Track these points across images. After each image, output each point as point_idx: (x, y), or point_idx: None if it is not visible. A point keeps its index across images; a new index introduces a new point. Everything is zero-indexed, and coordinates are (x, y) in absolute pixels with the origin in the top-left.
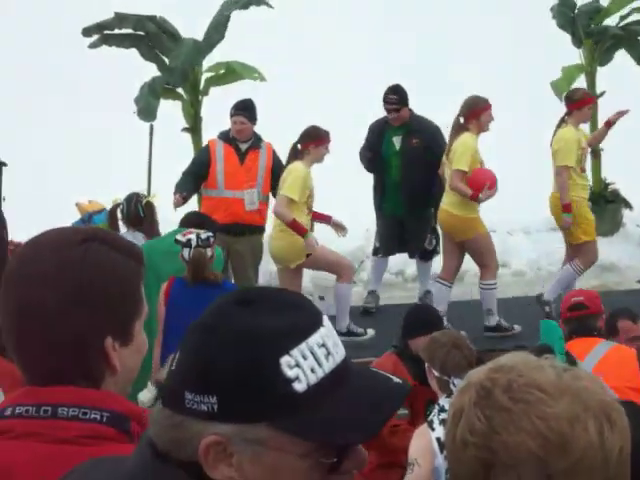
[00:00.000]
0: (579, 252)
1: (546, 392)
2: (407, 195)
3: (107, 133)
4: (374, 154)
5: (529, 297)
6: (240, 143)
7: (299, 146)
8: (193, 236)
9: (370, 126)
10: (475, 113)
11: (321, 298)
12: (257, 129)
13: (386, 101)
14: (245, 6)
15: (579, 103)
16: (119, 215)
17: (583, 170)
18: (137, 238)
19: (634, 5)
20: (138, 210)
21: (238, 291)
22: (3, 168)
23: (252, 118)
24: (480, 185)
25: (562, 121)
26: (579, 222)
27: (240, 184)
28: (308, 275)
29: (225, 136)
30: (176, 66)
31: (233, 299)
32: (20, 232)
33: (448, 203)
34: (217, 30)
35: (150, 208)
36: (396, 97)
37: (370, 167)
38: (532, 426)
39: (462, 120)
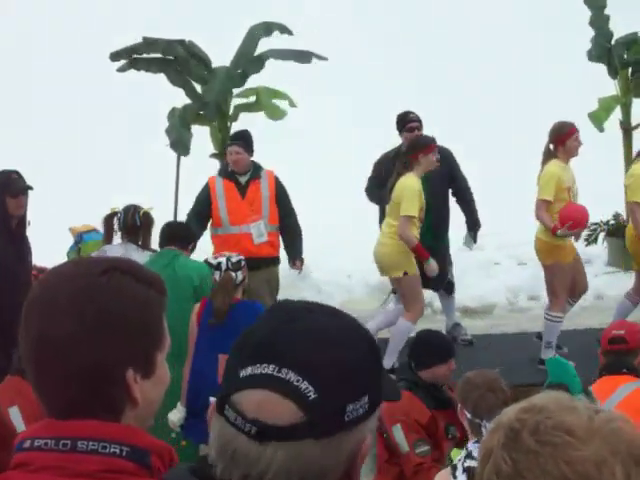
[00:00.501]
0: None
1: (574, 435)
2: (433, 225)
3: (135, 157)
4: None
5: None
6: (239, 176)
7: (408, 158)
8: (223, 259)
9: (380, 160)
10: (561, 139)
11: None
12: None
13: (409, 120)
14: (268, 33)
15: None
16: (115, 223)
17: None
18: (129, 249)
19: None
20: (135, 219)
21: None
22: (29, 192)
23: (248, 148)
24: (563, 221)
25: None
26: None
27: (244, 218)
28: (334, 304)
29: (224, 171)
30: (210, 99)
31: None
32: (44, 257)
33: (538, 227)
34: (250, 61)
35: (147, 218)
36: (417, 116)
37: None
38: (558, 470)
39: (552, 147)
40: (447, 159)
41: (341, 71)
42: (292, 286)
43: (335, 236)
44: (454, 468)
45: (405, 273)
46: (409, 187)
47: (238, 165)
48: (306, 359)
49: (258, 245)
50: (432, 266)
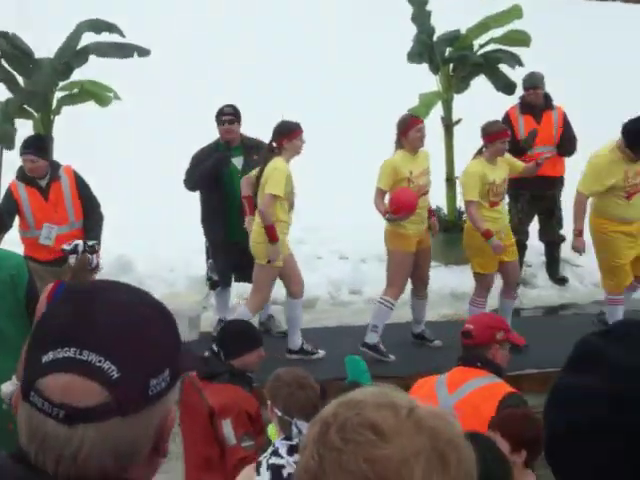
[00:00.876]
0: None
1: (379, 433)
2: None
3: None
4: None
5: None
6: (39, 180)
7: (274, 144)
8: (80, 242)
9: (200, 152)
10: (403, 131)
11: None
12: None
13: (223, 114)
14: (97, 31)
15: (491, 137)
16: None
17: (493, 204)
18: None
19: (492, 34)
20: None
21: None
22: None
23: (42, 153)
24: (390, 206)
25: (479, 153)
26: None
27: (49, 221)
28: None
29: (23, 176)
30: (36, 90)
31: None
32: None
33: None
34: (74, 54)
35: None
36: (233, 109)
37: (211, 187)
38: (358, 469)
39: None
40: (259, 148)
41: (168, 66)
42: (113, 278)
43: (157, 230)
44: (259, 464)
45: (268, 261)
46: (277, 168)
47: (35, 173)
48: (106, 339)
49: (52, 245)
50: (275, 249)
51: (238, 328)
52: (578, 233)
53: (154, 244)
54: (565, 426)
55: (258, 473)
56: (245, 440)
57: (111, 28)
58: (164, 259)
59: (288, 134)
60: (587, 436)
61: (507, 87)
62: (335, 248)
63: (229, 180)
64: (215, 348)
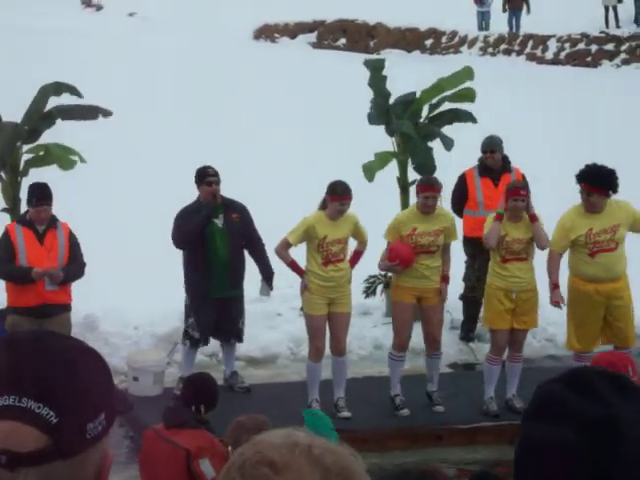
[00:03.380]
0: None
1: (273, 467)
2: (235, 274)
3: None
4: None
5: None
6: (38, 225)
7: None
8: None
9: (184, 210)
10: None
11: (135, 379)
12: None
13: (207, 174)
14: (57, 93)
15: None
16: None
17: (504, 261)
18: None
19: (443, 94)
20: None
21: None
22: None
23: (52, 202)
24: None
25: None
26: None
27: (41, 264)
28: (121, 355)
29: (23, 220)
30: None
31: None
32: None
33: None
34: (41, 117)
35: None
36: (214, 170)
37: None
38: None
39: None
40: (243, 213)
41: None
42: (80, 337)
43: (122, 289)
44: None
45: (301, 308)
46: (302, 219)
47: (44, 221)
48: (43, 386)
49: (53, 291)
50: (303, 281)
51: (213, 383)
52: (554, 287)
53: (119, 303)
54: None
55: None
56: None
57: (71, 90)
58: (129, 318)
59: (330, 195)
60: None
61: (424, 167)
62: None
63: (211, 237)
64: (193, 407)
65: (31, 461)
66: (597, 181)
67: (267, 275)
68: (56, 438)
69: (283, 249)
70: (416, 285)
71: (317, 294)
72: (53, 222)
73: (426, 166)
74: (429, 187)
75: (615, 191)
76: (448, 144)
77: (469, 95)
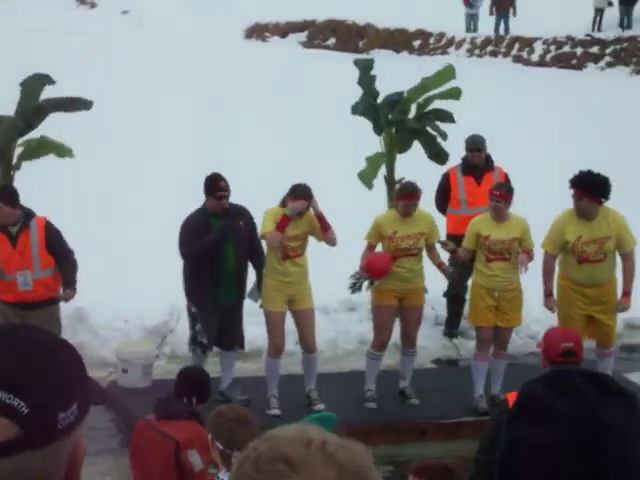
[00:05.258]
0: None
1: (289, 463)
2: (241, 282)
3: None
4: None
5: (327, 374)
6: (10, 227)
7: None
8: None
9: (190, 220)
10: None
11: (124, 371)
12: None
13: (219, 189)
14: (42, 85)
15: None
16: None
17: (488, 260)
18: None
19: (429, 94)
20: None
21: None
22: None
23: (9, 201)
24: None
25: None
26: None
27: (15, 267)
28: (111, 348)
29: None
30: None
31: None
32: None
33: None
34: (35, 111)
35: None
36: (227, 185)
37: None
38: None
39: None
40: (246, 219)
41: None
42: (70, 329)
43: (112, 282)
44: None
45: (260, 306)
46: (265, 212)
47: (2, 220)
48: (14, 376)
49: (31, 290)
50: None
51: (205, 376)
52: (548, 293)
53: (109, 296)
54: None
55: None
56: (211, 468)
57: (46, 79)
58: (119, 310)
59: (292, 196)
60: None
61: (438, 155)
62: None
63: (220, 248)
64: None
65: (2, 451)
66: (588, 187)
67: (260, 282)
68: (27, 428)
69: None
70: (398, 287)
71: (276, 290)
72: (26, 222)
73: (440, 155)
74: (410, 196)
75: (607, 198)
76: (442, 136)
77: (455, 93)
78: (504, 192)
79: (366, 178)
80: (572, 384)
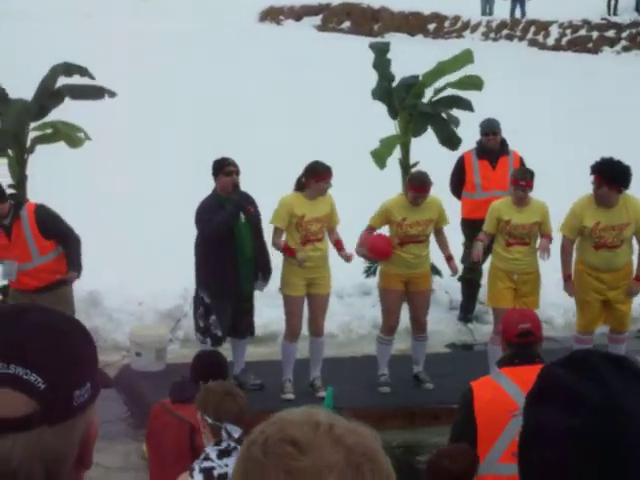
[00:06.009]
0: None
1: (297, 446)
2: (256, 269)
3: None
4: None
5: (340, 359)
6: (2, 219)
7: (303, 180)
8: None
9: (205, 203)
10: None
11: (137, 354)
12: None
13: (230, 164)
14: (68, 74)
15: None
16: None
17: (508, 244)
18: None
19: (449, 79)
20: None
21: None
22: None
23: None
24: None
25: None
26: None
27: (15, 259)
28: (124, 331)
29: None
30: (7, 129)
31: None
32: None
33: None
34: (50, 95)
35: None
36: (234, 161)
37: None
38: (277, 479)
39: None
40: (254, 205)
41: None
42: (84, 312)
43: (126, 265)
44: (192, 469)
45: (280, 289)
46: (279, 201)
47: None
48: (31, 353)
49: (35, 276)
50: (299, 255)
51: (222, 359)
52: (567, 277)
53: (123, 279)
54: (542, 465)
55: (192, 477)
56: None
57: (82, 71)
58: (133, 294)
59: (315, 176)
60: (563, 474)
61: (450, 141)
62: None
63: (238, 233)
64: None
65: (19, 426)
66: (608, 175)
67: (266, 271)
68: (44, 404)
69: (276, 237)
70: (404, 272)
71: (295, 274)
72: (17, 212)
73: (452, 140)
74: (419, 189)
75: (626, 187)
76: (454, 122)
77: (477, 83)
78: (529, 180)
79: (379, 158)
80: (594, 368)
